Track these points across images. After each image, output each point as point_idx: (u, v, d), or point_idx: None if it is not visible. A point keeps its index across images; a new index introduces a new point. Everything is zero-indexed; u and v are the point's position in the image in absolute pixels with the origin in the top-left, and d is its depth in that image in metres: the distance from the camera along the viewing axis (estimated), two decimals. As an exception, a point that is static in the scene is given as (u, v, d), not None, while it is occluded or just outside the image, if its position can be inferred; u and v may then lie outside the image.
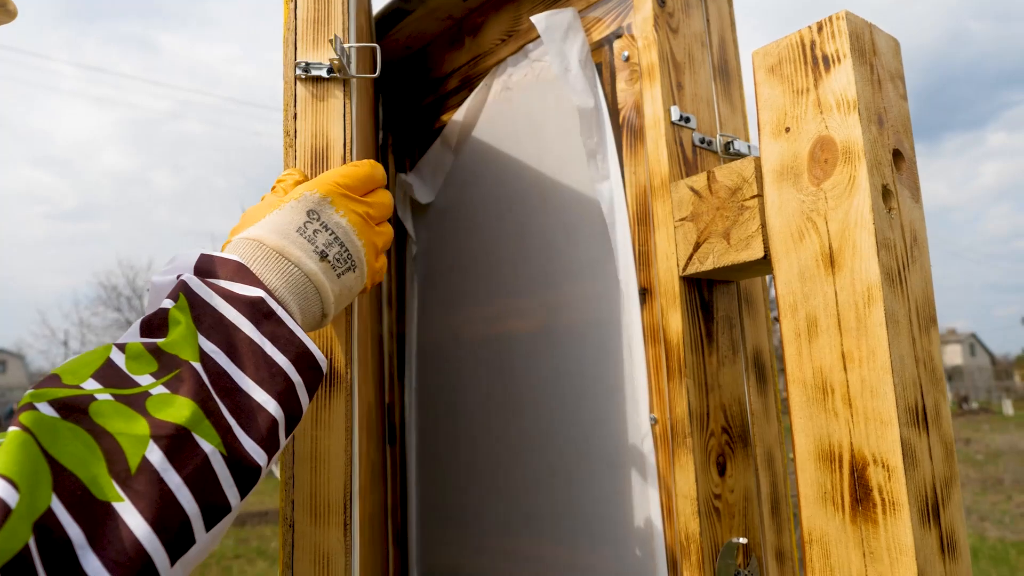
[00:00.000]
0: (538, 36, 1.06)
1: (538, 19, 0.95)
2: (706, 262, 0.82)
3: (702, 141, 0.91)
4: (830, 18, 0.73)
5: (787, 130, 0.75)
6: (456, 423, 1.18)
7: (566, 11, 0.97)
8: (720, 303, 0.89)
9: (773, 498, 0.89)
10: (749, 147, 0.95)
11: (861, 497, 0.67)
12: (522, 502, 1.03)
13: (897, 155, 0.73)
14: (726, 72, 0.97)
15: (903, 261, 0.70)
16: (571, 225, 0.99)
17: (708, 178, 0.82)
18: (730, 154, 0.94)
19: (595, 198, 0.95)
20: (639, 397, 0.88)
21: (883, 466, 0.66)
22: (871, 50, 0.73)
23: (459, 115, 1.18)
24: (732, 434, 0.86)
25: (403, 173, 1.30)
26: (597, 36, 0.98)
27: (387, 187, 0.78)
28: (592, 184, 0.95)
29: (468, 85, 1.20)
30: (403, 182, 1.26)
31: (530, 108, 1.07)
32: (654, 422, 0.86)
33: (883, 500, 0.65)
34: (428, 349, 1.25)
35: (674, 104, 0.89)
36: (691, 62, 0.93)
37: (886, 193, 0.70)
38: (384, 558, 1.28)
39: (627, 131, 0.93)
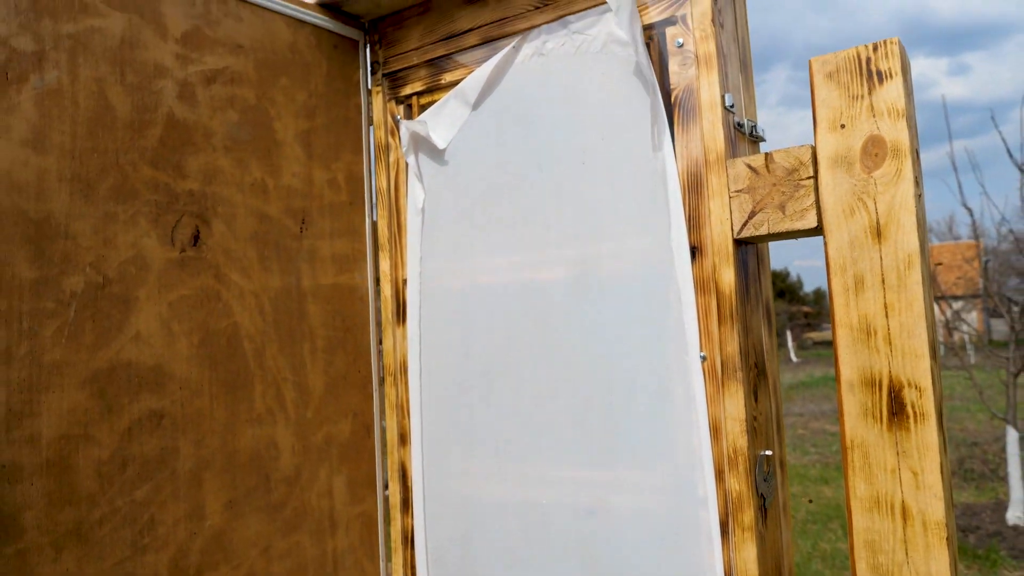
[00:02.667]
0: (580, 9, 1.16)
1: None
2: (761, 228, 1.00)
3: (739, 125, 1.08)
4: (884, 42, 0.93)
5: (842, 126, 0.95)
6: (470, 362, 1.27)
7: None
8: (750, 261, 1.08)
9: (777, 419, 1.12)
10: (763, 130, 1.14)
11: (896, 411, 0.90)
12: (557, 432, 1.16)
13: (917, 154, 0.95)
14: (746, 65, 1.15)
15: (923, 236, 0.93)
16: (616, 187, 1.12)
17: (766, 159, 1.00)
18: (753, 137, 1.12)
19: (643, 165, 1.09)
20: (688, 338, 1.04)
21: (916, 388, 0.89)
22: (908, 69, 0.94)
23: (482, 72, 1.24)
24: (759, 368, 1.07)
25: (406, 119, 1.34)
26: (646, 21, 1.11)
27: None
28: (642, 152, 1.09)
29: (489, 44, 1.27)
30: (411, 126, 1.30)
31: (569, 77, 1.17)
32: (704, 359, 1.04)
33: (915, 413, 0.89)
34: (436, 293, 1.32)
35: (728, 91, 1.05)
36: (728, 55, 1.09)
37: (916, 183, 0.93)
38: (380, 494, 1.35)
39: (679, 109, 1.07)
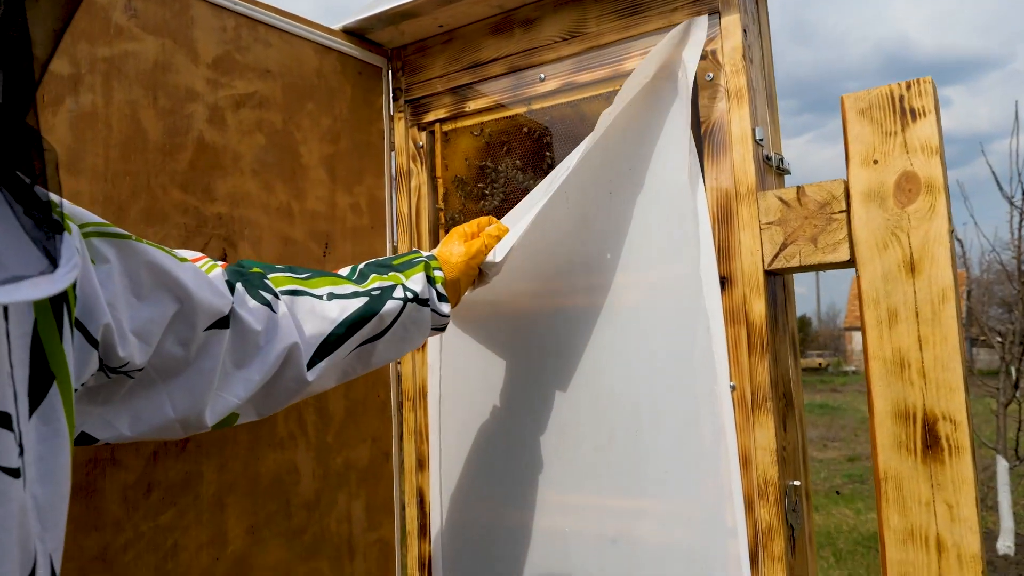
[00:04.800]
0: (605, 43, 1.18)
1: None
2: (792, 260, 1.01)
3: (767, 158, 1.10)
4: (918, 80, 0.94)
5: (875, 162, 0.96)
6: (491, 388, 1.26)
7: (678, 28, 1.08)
8: (778, 292, 1.09)
9: (803, 449, 1.12)
10: (789, 163, 1.16)
11: (931, 444, 0.90)
12: (580, 459, 1.16)
13: (948, 191, 0.97)
14: (772, 99, 1.16)
15: (955, 271, 0.94)
16: (645, 218, 1.13)
17: (798, 192, 1.01)
18: (780, 170, 1.14)
19: (673, 196, 1.10)
20: (718, 368, 1.05)
21: (951, 421, 0.90)
22: (939, 107, 0.96)
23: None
24: (787, 398, 1.07)
25: (429, 147, 1.34)
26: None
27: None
28: (672, 184, 1.10)
29: (514, 73, 1.28)
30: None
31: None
32: (733, 388, 1.04)
33: (949, 446, 0.89)
34: (457, 318, 1.31)
35: (758, 125, 1.06)
36: (757, 90, 1.11)
37: (949, 219, 0.94)
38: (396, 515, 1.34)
39: (709, 142, 1.09)
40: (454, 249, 1.09)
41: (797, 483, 1.05)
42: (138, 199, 1.03)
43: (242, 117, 1.17)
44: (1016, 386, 5.13)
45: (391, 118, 1.42)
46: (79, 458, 0.94)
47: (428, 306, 1.01)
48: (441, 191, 1.38)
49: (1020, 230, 5.06)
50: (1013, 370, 5.33)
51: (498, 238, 1.11)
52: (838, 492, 6.54)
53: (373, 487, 1.32)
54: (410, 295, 0.98)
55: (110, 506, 0.97)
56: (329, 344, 0.89)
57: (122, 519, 0.97)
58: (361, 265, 1.01)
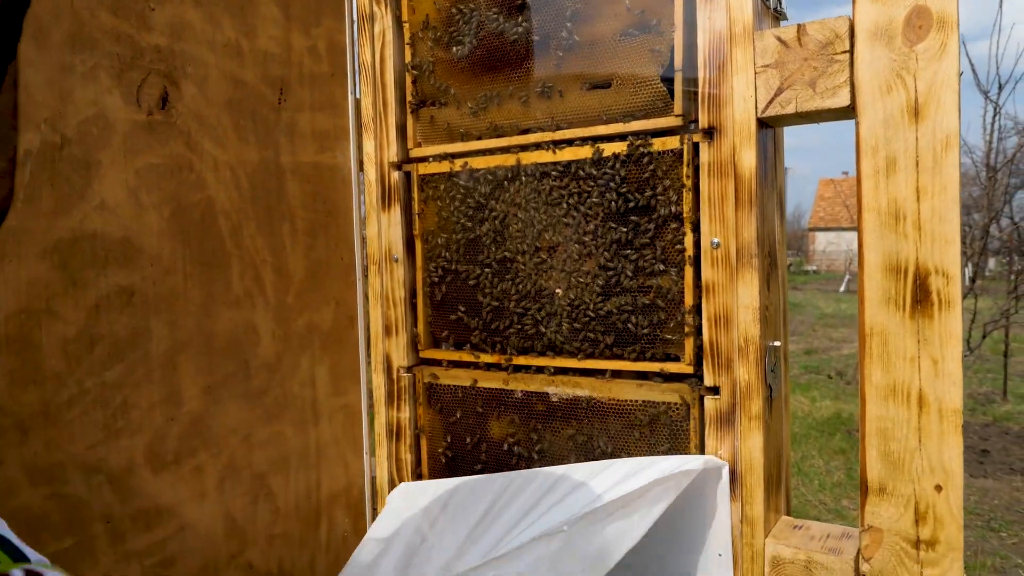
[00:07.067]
0: None
1: None
2: (788, 106, 0.94)
3: (765, -3, 1.00)
4: (939, -100, 0.85)
5: (885, -5, 0.88)
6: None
7: None
8: (768, 145, 1.02)
9: (783, 311, 1.09)
10: (787, 7, 1.07)
11: (920, 299, 0.87)
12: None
13: (959, 28, 0.89)
14: (773, -67, 1.06)
15: (960, 117, 0.88)
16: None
17: (798, 31, 0.93)
18: (776, 13, 1.04)
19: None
20: (703, 227, 0.99)
21: (943, 275, 0.86)
22: (959, -64, 0.87)
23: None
24: (772, 257, 1.02)
25: None
26: None
27: None
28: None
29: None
30: None
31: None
32: (717, 245, 0.99)
33: (940, 300, 0.86)
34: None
35: (759, -43, 0.96)
36: (759, -82, 1.00)
37: (959, 59, 0.87)
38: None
39: (704, -24, 0.99)
40: None
41: (777, 344, 1.02)
42: (61, 21, 0.91)
43: (180, -64, 1.03)
44: (973, 280, 5.24)
45: (352, -47, 1.28)
46: (8, 308, 0.86)
47: None
48: (407, 37, 1.26)
49: (993, 125, 5.03)
50: (971, 265, 5.43)
51: None
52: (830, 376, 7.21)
53: (338, 352, 1.27)
54: None
55: (49, 360, 0.90)
56: None
57: (63, 373, 0.91)
58: None
